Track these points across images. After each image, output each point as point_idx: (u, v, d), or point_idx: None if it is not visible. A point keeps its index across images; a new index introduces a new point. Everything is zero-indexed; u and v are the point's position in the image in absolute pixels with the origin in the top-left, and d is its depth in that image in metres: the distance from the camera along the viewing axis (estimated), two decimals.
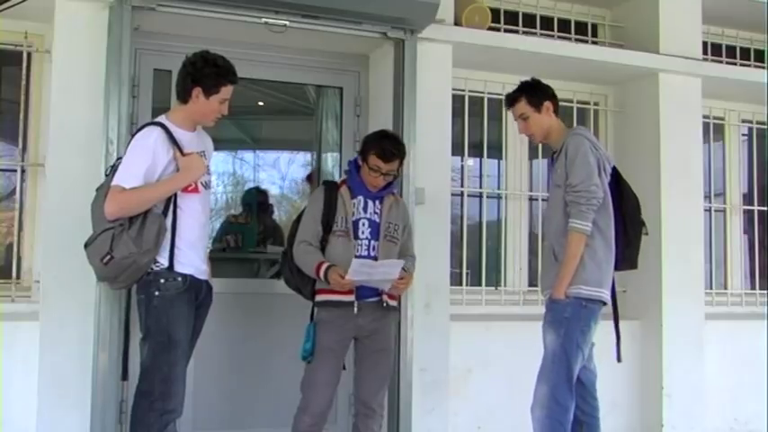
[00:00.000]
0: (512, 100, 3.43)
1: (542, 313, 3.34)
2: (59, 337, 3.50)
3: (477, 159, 4.90)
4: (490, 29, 4.52)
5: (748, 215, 5.63)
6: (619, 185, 3.38)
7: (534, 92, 3.39)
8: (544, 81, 3.48)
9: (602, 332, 3.34)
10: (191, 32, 3.90)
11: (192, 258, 2.98)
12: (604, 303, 3.26)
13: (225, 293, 3.74)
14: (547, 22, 4.99)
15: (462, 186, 4.78)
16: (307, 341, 3.29)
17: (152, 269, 2.91)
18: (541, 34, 4.91)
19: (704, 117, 5.16)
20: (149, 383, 2.90)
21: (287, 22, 3.82)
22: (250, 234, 5.15)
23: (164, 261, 2.92)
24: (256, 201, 5.41)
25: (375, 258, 3.30)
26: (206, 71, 2.96)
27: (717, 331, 4.93)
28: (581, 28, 5.09)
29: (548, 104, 3.38)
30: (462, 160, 4.81)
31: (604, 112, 5.18)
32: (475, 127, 4.79)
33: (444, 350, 4.16)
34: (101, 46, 3.58)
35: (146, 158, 2.87)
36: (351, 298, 3.26)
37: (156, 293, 2.90)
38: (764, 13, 5.01)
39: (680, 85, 4.87)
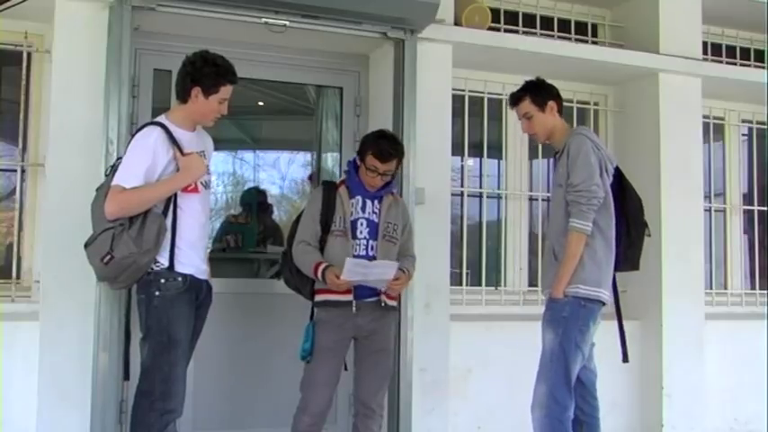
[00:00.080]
0: (516, 99, 3.43)
1: (542, 313, 3.34)
2: (59, 337, 3.50)
3: (477, 159, 4.89)
4: (490, 29, 4.52)
5: (748, 215, 5.63)
6: (622, 186, 3.38)
7: (539, 91, 3.39)
8: None
9: (602, 332, 3.34)
10: (191, 32, 3.90)
11: (192, 258, 2.98)
12: (603, 303, 3.26)
13: (225, 293, 3.74)
14: (547, 22, 4.99)
15: (462, 186, 4.78)
16: (306, 341, 3.29)
17: (152, 269, 2.91)
18: (541, 34, 4.91)
19: (704, 117, 5.16)
20: (150, 383, 2.90)
21: (287, 22, 3.82)
22: (250, 234, 5.14)
23: (164, 261, 2.92)
24: (256, 201, 5.41)
25: (373, 258, 3.29)
26: (205, 71, 2.96)
27: (717, 331, 4.93)
28: (581, 28, 5.09)
29: (552, 104, 3.38)
30: (462, 160, 4.81)
31: (604, 112, 5.18)
32: (475, 127, 4.79)
33: (444, 350, 4.16)
34: (101, 46, 3.58)
35: (146, 158, 2.87)
36: (349, 298, 3.26)
37: (157, 293, 2.90)
38: (764, 13, 5.01)
39: (680, 85, 4.87)
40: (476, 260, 4.78)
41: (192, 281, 2.97)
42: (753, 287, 5.59)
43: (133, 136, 3.03)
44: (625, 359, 3.41)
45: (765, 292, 5.52)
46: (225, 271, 4.30)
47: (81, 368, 3.48)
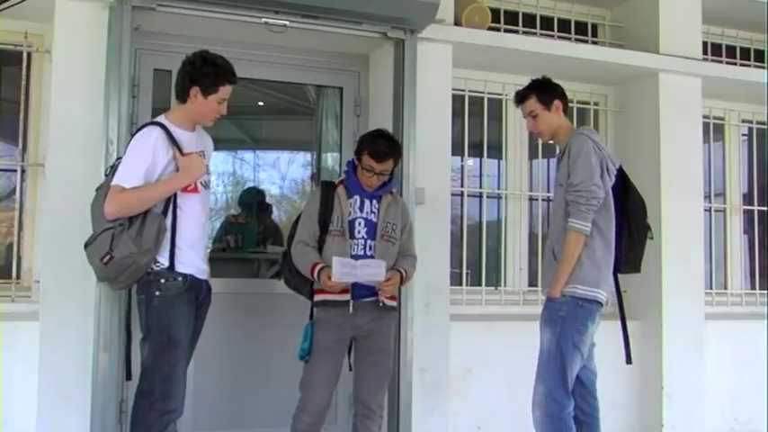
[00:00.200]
0: (522, 97, 3.43)
1: (541, 311, 3.34)
2: (59, 337, 3.50)
3: (477, 159, 4.90)
4: (490, 29, 4.52)
5: (748, 215, 5.64)
6: (625, 187, 3.37)
7: (545, 90, 3.39)
8: None
9: (602, 332, 3.34)
10: (191, 32, 3.90)
11: (192, 258, 2.98)
12: (602, 304, 3.25)
13: (225, 293, 3.74)
14: (547, 22, 4.99)
15: (462, 186, 4.78)
16: (304, 341, 3.29)
17: (152, 269, 2.91)
18: (541, 34, 4.91)
19: (704, 117, 5.16)
20: (150, 383, 2.89)
21: (287, 22, 3.82)
22: (250, 234, 5.14)
23: (164, 261, 2.91)
24: (255, 201, 5.40)
25: (372, 258, 3.29)
26: (204, 71, 2.95)
27: (717, 331, 4.94)
28: (581, 28, 5.09)
29: (557, 103, 3.38)
30: (462, 160, 4.81)
31: (604, 112, 5.18)
32: (475, 127, 4.80)
33: (444, 350, 4.16)
34: (101, 46, 3.57)
35: (145, 158, 2.87)
36: (346, 297, 3.26)
37: (157, 293, 2.90)
38: (764, 13, 5.01)
39: (680, 85, 4.87)
40: (476, 260, 4.78)
41: (193, 281, 2.97)
42: (753, 287, 5.59)
43: (133, 136, 3.03)
44: (628, 360, 3.41)
45: (765, 292, 5.53)
46: (225, 271, 4.30)
47: (81, 368, 3.48)
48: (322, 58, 4.35)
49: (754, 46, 5.57)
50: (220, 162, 5.81)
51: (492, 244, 4.86)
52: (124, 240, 2.81)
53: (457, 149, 4.64)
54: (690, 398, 4.74)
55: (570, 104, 4.81)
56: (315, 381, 3.27)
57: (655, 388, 4.72)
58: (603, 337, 3.37)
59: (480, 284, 4.77)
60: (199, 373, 3.75)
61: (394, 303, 3.42)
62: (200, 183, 3.01)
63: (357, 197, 3.37)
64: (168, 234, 2.91)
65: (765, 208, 5.62)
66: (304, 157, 5.91)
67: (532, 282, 4.89)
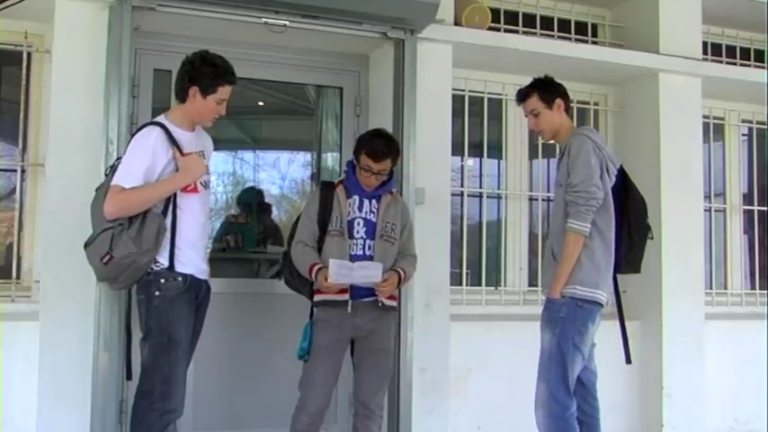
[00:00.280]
0: (524, 95, 3.42)
1: (541, 312, 3.34)
2: (59, 337, 3.50)
3: (477, 159, 4.90)
4: (490, 29, 4.52)
5: (748, 215, 5.63)
6: (626, 187, 3.37)
7: (547, 88, 3.39)
8: None
9: (602, 333, 3.34)
10: (191, 32, 3.90)
11: (192, 258, 2.98)
12: (601, 305, 3.25)
13: (225, 293, 3.74)
14: (547, 22, 4.99)
15: (462, 186, 4.78)
16: (303, 340, 3.29)
17: (152, 269, 2.90)
18: (541, 34, 4.91)
19: (704, 117, 5.16)
20: (150, 383, 2.89)
21: (287, 22, 3.82)
22: (250, 234, 5.14)
23: (164, 261, 2.91)
24: (255, 201, 5.40)
25: (371, 258, 3.29)
26: (203, 71, 2.95)
27: (717, 331, 4.93)
28: (581, 28, 5.09)
29: (559, 102, 3.38)
30: (462, 160, 4.81)
31: (604, 112, 5.18)
32: (475, 127, 4.79)
33: (444, 350, 4.16)
34: (101, 46, 3.58)
35: (145, 158, 2.87)
36: (345, 297, 3.26)
37: (157, 293, 2.90)
38: (764, 13, 5.01)
39: (680, 85, 4.87)
40: (476, 260, 4.78)
41: (192, 281, 2.97)
42: (753, 287, 5.59)
43: (133, 136, 3.03)
44: (628, 361, 3.41)
45: (765, 292, 5.53)
46: (225, 271, 4.30)
47: (81, 368, 3.48)
48: (322, 58, 4.35)
49: (754, 46, 5.57)
50: (220, 162, 5.80)
51: (492, 244, 4.86)
52: (124, 240, 2.80)
53: (457, 149, 4.64)
54: (690, 398, 4.74)
55: (570, 104, 4.84)
56: (314, 380, 3.27)
57: (655, 388, 4.72)
58: (603, 337, 3.37)
59: (480, 284, 4.77)
60: (199, 373, 3.75)
61: (394, 303, 3.42)
62: (200, 183, 3.01)
63: (356, 197, 3.36)
64: (168, 234, 2.91)
65: (765, 208, 5.62)
66: (304, 157, 5.91)
67: (532, 282, 4.89)
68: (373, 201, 3.39)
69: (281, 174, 6.20)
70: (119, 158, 3.09)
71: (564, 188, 3.23)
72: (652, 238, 3.47)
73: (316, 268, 3.23)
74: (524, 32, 4.82)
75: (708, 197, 5.34)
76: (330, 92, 4.71)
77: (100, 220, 2.87)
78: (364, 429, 3.36)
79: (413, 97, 4.09)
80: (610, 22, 5.21)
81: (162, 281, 2.90)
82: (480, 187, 4.87)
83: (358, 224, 3.34)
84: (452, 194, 4.41)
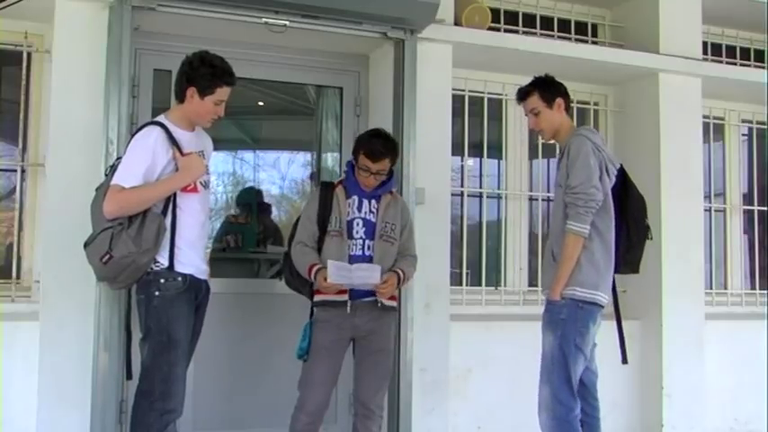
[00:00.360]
0: (524, 94, 3.42)
1: (542, 313, 3.34)
2: (59, 337, 3.50)
3: (477, 159, 4.90)
4: (490, 29, 4.52)
5: (748, 215, 5.64)
6: (625, 186, 3.36)
7: (547, 87, 3.38)
8: None
9: (603, 333, 3.34)
10: (191, 32, 3.90)
11: (192, 258, 2.98)
12: (601, 306, 3.24)
13: (225, 293, 3.75)
14: (547, 22, 4.99)
15: (462, 186, 4.78)
16: (303, 340, 3.30)
17: (152, 269, 2.90)
18: (541, 34, 4.91)
19: (704, 117, 5.16)
20: (149, 383, 2.89)
21: (287, 22, 3.82)
22: (250, 234, 5.14)
23: (164, 261, 2.91)
24: (255, 200, 5.40)
25: (370, 258, 3.29)
26: (201, 71, 2.95)
27: (717, 331, 4.93)
28: (581, 28, 5.09)
29: (560, 101, 3.37)
30: (462, 160, 4.81)
31: (604, 112, 5.18)
32: (475, 127, 4.80)
33: (444, 350, 4.16)
34: (101, 46, 3.58)
35: (145, 158, 2.87)
36: (345, 297, 3.26)
37: (157, 293, 2.90)
38: (764, 13, 5.01)
39: (680, 85, 4.87)
40: (476, 260, 4.78)
41: (192, 281, 2.97)
42: (753, 287, 5.59)
43: (133, 136, 3.02)
44: (624, 361, 3.41)
45: (765, 292, 5.53)
46: (225, 271, 4.30)
47: (81, 368, 3.48)
48: (322, 58, 4.35)
49: (754, 46, 5.57)
50: (220, 162, 5.80)
51: (492, 244, 4.86)
52: (123, 240, 2.80)
53: (457, 149, 4.64)
54: (690, 398, 4.74)
55: (570, 104, 4.84)
56: (313, 380, 3.27)
57: (655, 388, 4.72)
58: (604, 337, 3.37)
59: (480, 284, 4.77)
60: (199, 373, 3.75)
61: (394, 303, 3.42)
62: (200, 183, 3.01)
63: (356, 197, 3.36)
64: (168, 234, 2.91)
65: (765, 208, 5.62)
66: (304, 157, 5.91)
67: (532, 282, 4.89)
68: (373, 201, 3.38)
69: (281, 174, 6.19)
70: (119, 158, 3.09)
71: (563, 189, 3.23)
72: (651, 239, 3.47)
73: (315, 269, 3.23)
74: (524, 32, 4.82)
75: (708, 197, 5.34)
76: (330, 92, 4.71)
77: (100, 219, 2.87)
78: (364, 429, 3.36)
79: (413, 97, 4.09)
80: (610, 22, 5.21)
81: (162, 281, 2.90)
82: (480, 187, 4.87)
83: (357, 224, 3.34)
84: (452, 194, 4.41)
